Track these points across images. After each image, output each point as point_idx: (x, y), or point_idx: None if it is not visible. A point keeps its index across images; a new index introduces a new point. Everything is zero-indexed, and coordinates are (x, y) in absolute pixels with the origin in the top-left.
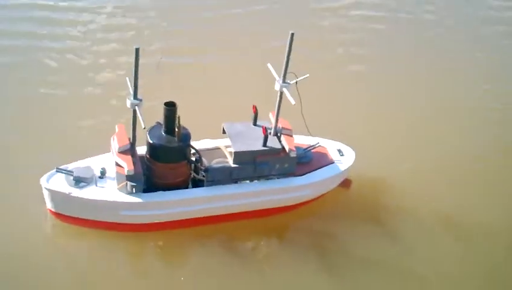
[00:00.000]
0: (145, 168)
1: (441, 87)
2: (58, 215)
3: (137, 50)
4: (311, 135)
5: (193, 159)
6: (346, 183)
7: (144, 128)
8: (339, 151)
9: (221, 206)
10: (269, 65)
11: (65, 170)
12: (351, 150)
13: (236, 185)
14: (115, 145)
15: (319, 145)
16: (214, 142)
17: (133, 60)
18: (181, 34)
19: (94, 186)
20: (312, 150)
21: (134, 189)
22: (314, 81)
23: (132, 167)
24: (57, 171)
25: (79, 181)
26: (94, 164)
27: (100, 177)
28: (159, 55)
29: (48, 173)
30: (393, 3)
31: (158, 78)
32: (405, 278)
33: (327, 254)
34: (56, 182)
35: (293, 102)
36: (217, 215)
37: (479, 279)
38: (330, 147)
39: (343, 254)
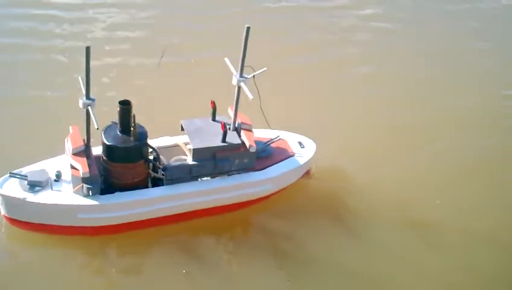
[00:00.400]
0: (101, 169)
1: (409, 75)
2: (13, 221)
3: (87, 49)
4: (270, 128)
5: (151, 157)
6: (306, 174)
7: (97, 128)
8: (300, 143)
9: (182, 205)
10: (226, 59)
11: (19, 175)
12: (312, 142)
13: (196, 182)
14: (69, 147)
15: (279, 139)
16: (173, 140)
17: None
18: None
19: (49, 190)
20: (272, 144)
21: (90, 191)
22: (275, 73)
23: (87, 169)
24: (10, 176)
25: (34, 185)
26: (49, 167)
27: (56, 181)
28: (160, 53)
29: (1, 178)
30: None
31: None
32: (355, 278)
33: (286, 252)
34: (10, 187)
35: (250, 96)
36: (178, 214)
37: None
38: (291, 140)
39: (302, 251)
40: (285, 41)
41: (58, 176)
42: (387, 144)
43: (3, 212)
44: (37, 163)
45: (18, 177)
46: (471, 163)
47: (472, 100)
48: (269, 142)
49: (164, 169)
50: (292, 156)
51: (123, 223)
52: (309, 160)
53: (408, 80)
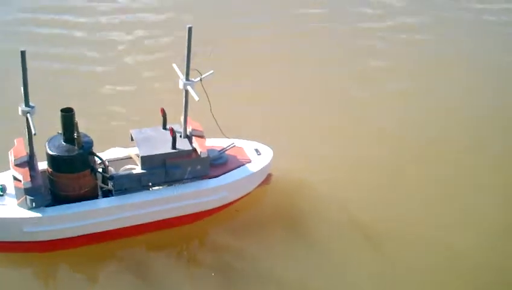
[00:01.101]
0: (47, 181)
1: (369, 79)
2: None
3: (22, 53)
4: (225, 135)
5: (100, 168)
6: (266, 180)
7: (34, 134)
8: (256, 150)
9: (132, 216)
10: (174, 65)
11: None
12: (269, 149)
13: (146, 191)
14: (11, 158)
15: (234, 146)
16: (125, 151)
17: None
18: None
19: None
20: (228, 152)
21: (34, 203)
22: (233, 77)
23: (29, 179)
24: None
25: None
26: None
27: (0, 195)
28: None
29: None
30: None
31: None
32: None
33: (239, 270)
34: None
35: (196, 98)
36: (130, 227)
37: None
38: (247, 147)
39: (255, 269)
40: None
41: (3, 190)
42: (348, 151)
43: None
44: None
45: None
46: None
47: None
48: (224, 150)
49: (111, 178)
50: (248, 163)
51: (72, 237)
52: (265, 166)
53: (365, 77)
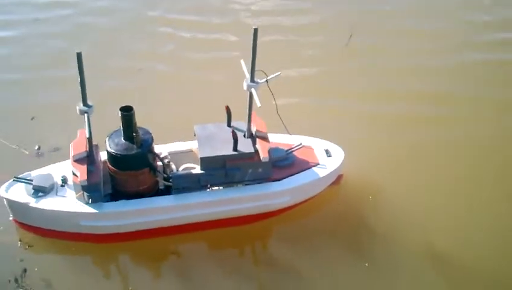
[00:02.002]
0: (108, 176)
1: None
2: (21, 225)
3: (79, 55)
4: (290, 134)
5: (161, 164)
6: (336, 180)
7: (88, 137)
8: (326, 151)
9: (189, 215)
10: (242, 62)
11: (24, 179)
12: (341, 150)
13: (205, 192)
14: (71, 153)
15: (302, 146)
16: (187, 145)
17: None
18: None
19: (54, 195)
20: (295, 152)
21: (90, 199)
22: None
23: (85, 177)
24: (14, 180)
25: (38, 190)
26: (56, 171)
27: (62, 186)
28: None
29: (8, 182)
30: None
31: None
32: None
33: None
34: (16, 192)
35: (258, 104)
36: (187, 225)
37: None
38: (316, 147)
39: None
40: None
41: (64, 181)
42: (427, 160)
43: (12, 216)
44: (46, 167)
45: (23, 182)
46: None
47: None
48: (290, 150)
49: (169, 178)
50: (316, 165)
51: (127, 232)
52: (334, 170)
53: (455, 95)
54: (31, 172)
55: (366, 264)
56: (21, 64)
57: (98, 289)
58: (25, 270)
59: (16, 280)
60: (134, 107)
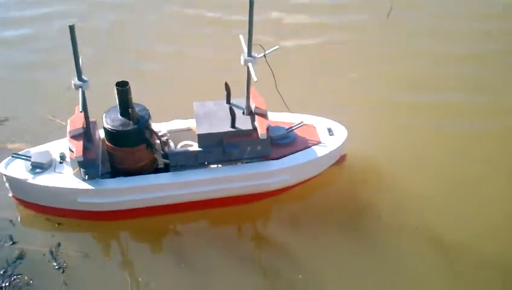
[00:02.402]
0: (105, 152)
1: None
2: (20, 201)
3: (71, 27)
4: (290, 112)
5: (160, 141)
6: (340, 160)
7: (81, 111)
8: (329, 130)
9: (187, 193)
10: (241, 37)
11: (23, 155)
12: (344, 129)
13: (203, 170)
14: (68, 129)
15: (303, 125)
16: (186, 123)
17: None
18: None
19: (52, 171)
20: (297, 130)
21: (87, 175)
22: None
23: (81, 153)
24: (12, 156)
25: (36, 167)
26: (54, 148)
27: (60, 163)
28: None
29: (7, 159)
30: None
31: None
32: None
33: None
34: (14, 168)
35: (255, 78)
36: (185, 203)
37: None
38: (319, 125)
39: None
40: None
41: (63, 158)
42: (437, 142)
43: (11, 193)
44: (46, 144)
45: (21, 158)
46: None
47: None
48: (291, 128)
49: (166, 155)
50: (317, 144)
51: (125, 210)
52: (336, 149)
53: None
54: (30, 149)
55: (363, 248)
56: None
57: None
58: (58, 244)
59: (51, 252)
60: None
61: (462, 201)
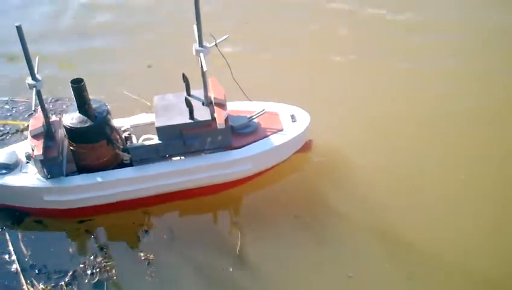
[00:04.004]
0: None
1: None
2: None
3: (18, 28)
4: (250, 100)
5: (120, 136)
6: (306, 147)
7: (34, 110)
8: (292, 116)
9: (151, 186)
10: (195, 27)
11: None
12: (307, 114)
13: (165, 162)
14: (29, 128)
15: (264, 112)
16: (151, 117)
17: None
18: None
19: (18, 172)
20: (259, 118)
21: (49, 174)
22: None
23: (41, 152)
24: None
25: (2, 167)
26: (21, 149)
27: (26, 162)
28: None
29: None
30: None
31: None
32: None
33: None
34: None
35: (205, 68)
36: (150, 197)
37: None
38: (282, 112)
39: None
40: None
41: (29, 158)
42: (398, 123)
43: None
44: (12, 145)
45: None
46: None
47: None
48: (252, 117)
49: (125, 150)
50: (280, 131)
51: (92, 206)
52: (299, 135)
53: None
54: None
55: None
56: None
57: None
58: (146, 231)
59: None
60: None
61: (426, 199)
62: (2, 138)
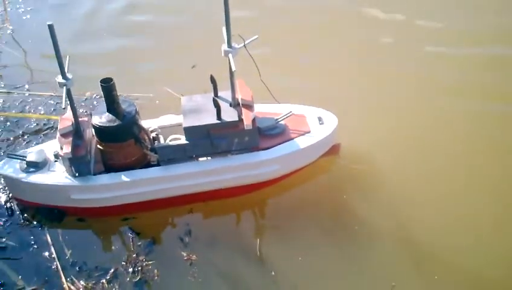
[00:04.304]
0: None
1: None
2: (20, 201)
3: (50, 26)
4: (278, 102)
5: (148, 136)
6: (333, 150)
7: (64, 108)
8: (319, 119)
9: (177, 186)
10: (223, 28)
11: (17, 155)
12: (334, 117)
13: (192, 163)
14: (58, 127)
15: (292, 114)
16: (178, 118)
17: None
18: None
19: (47, 170)
20: (286, 120)
21: (77, 172)
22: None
23: (69, 150)
24: (7, 157)
25: (31, 166)
26: (49, 147)
27: (55, 161)
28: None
29: (3, 160)
30: None
31: None
32: None
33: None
34: (10, 168)
35: (233, 68)
36: (176, 197)
37: None
38: (309, 114)
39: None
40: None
41: (57, 157)
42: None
43: (10, 193)
44: (42, 144)
45: (16, 158)
46: None
47: None
48: (280, 119)
49: (153, 150)
50: (307, 133)
51: (118, 205)
52: (326, 137)
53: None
54: (26, 149)
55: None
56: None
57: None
58: (189, 232)
59: (181, 239)
60: None
61: (455, 213)
62: (46, 132)
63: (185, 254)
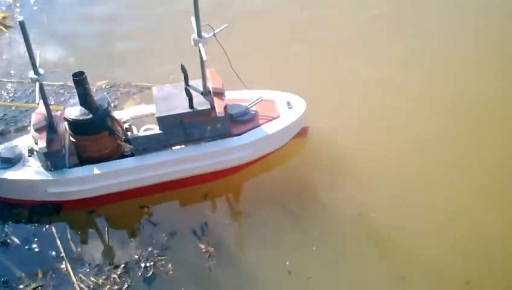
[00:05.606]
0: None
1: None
2: None
3: (21, 23)
4: (248, 88)
5: (121, 127)
6: (302, 132)
7: (38, 103)
8: (288, 103)
9: (153, 175)
10: (192, 19)
11: None
12: (303, 101)
13: (166, 151)
14: (32, 122)
15: (261, 100)
16: (150, 108)
17: None
18: None
19: (21, 166)
20: (256, 106)
21: (53, 166)
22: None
23: (44, 144)
24: None
25: (5, 162)
26: (23, 143)
27: (29, 156)
28: None
29: None
30: None
31: None
32: None
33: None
34: None
35: (204, 57)
36: (152, 186)
37: None
38: (278, 99)
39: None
40: None
41: (31, 152)
42: (395, 108)
43: None
44: (15, 139)
45: None
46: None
47: None
48: (250, 105)
49: (127, 141)
50: (277, 118)
51: (95, 197)
52: (296, 121)
53: (425, 33)
54: None
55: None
56: None
57: None
58: (205, 224)
59: (194, 232)
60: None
61: (417, 195)
62: None
63: (203, 247)
